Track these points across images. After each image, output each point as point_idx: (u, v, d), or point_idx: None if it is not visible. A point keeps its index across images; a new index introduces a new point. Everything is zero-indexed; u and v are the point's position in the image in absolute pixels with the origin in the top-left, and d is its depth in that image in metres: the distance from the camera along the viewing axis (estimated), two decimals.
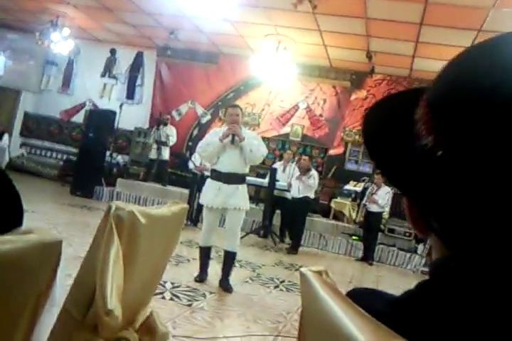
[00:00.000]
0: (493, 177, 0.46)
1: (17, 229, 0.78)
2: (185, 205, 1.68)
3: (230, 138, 4.56)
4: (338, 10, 7.38)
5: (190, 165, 8.68)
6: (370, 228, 7.93)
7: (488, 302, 0.48)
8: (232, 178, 4.60)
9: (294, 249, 7.74)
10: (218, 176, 4.61)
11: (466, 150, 0.48)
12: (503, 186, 0.46)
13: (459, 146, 0.48)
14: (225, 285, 4.68)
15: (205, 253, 4.76)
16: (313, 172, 7.97)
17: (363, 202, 7.98)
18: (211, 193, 4.60)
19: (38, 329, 0.91)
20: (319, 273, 0.67)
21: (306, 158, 8.14)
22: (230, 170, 4.58)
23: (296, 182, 7.86)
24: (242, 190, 4.70)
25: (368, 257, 7.93)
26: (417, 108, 0.56)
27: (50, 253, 0.80)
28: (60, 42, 10.52)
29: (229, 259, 4.73)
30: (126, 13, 9.53)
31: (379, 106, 0.66)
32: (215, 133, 4.73)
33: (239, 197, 4.62)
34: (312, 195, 8.01)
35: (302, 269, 0.66)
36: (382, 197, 7.68)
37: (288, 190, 8.17)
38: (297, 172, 8.10)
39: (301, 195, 7.78)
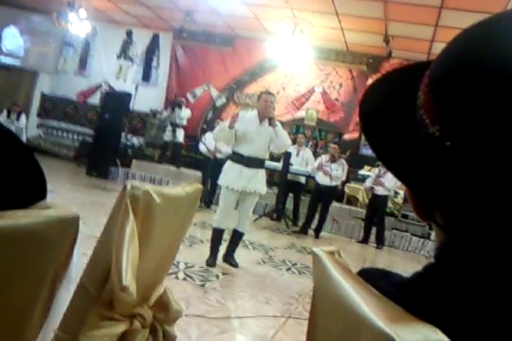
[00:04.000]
0: (505, 169, 0.45)
1: (39, 203, 0.80)
2: (200, 186, 1.70)
3: (264, 122, 4.60)
4: None
5: (201, 148, 8.69)
6: (375, 211, 7.90)
7: (491, 284, 0.49)
8: (254, 162, 4.63)
9: (316, 236, 7.79)
10: (240, 159, 4.62)
11: (476, 140, 0.46)
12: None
13: (468, 137, 0.47)
14: (230, 261, 4.80)
15: (218, 236, 4.77)
16: (343, 161, 7.92)
17: (370, 184, 7.91)
18: (232, 175, 4.62)
19: (55, 304, 0.93)
20: (332, 253, 0.68)
21: (336, 146, 8.04)
22: (252, 154, 4.61)
23: (325, 169, 7.73)
24: (262, 174, 4.75)
25: (377, 241, 7.93)
26: (419, 87, 0.53)
27: (68, 228, 0.82)
28: (77, 24, 10.51)
29: (237, 238, 4.83)
30: None
31: (379, 83, 0.63)
32: (243, 117, 4.70)
33: (259, 181, 4.67)
34: (339, 183, 8.01)
35: (315, 249, 0.66)
36: (389, 180, 7.63)
37: (309, 176, 8.17)
38: (322, 159, 8.02)
39: (333, 183, 7.73)
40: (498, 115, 0.45)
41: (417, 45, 9.21)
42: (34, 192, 0.82)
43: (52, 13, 10.57)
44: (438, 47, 9.03)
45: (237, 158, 4.65)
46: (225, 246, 4.93)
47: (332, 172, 7.64)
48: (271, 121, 4.59)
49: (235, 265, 4.80)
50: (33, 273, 0.84)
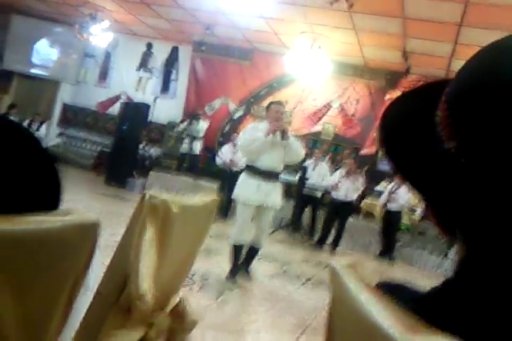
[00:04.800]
0: None
1: (60, 209, 0.81)
2: (217, 197, 1.71)
3: (278, 134, 4.44)
4: (375, 9, 7.30)
5: (218, 161, 8.73)
6: (389, 227, 7.84)
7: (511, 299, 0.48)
8: (271, 176, 4.53)
9: (333, 250, 7.76)
10: (257, 173, 4.51)
11: (489, 157, 0.46)
12: None
13: (482, 154, 0.47)
14: (244, 273, 4.75)
15: (237, 252, 4.67)
16: (359, 176, 7.87)
17: (383, 201, 7.86)
18: (249, 190, 4.49)
19: (74, 311, 0.94)
20: (350, 265, 0.68)
21: (352, 161, 8.00)
22: (269, 168, 4.50)
23: (345, 184, 7.67)
24: (279, 187, 4.65)
25: (387, 254, 7.86)
26: (438, 104, 0.54)
27: (89, 233, 0.83)
28: (99, 35, 10.71)
29: (253, 253, 4.77)
30: (163, 7, 9.63)
31: (402, 99, 0.64)
32: (255, 128, 4.61)
33: (276, 195, 4.58)
34: (354, 198, 7.97)
35: (333, 262, 0.66)
36: (403, 196, 7.57)
37: (326, 191, 8.15)
38: (338, 174, 7.99)
39: (348, 199, 7.68)
40: None
41: (435, 61, 9.19)
42: (50, 199, 0.83)
43: (74, 24, 10.79)
44: (457, 64, 9.00)
45: (254, 171, 4.53)
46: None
47: (349, 188, 7.61)
48: (283, 135, 4.44)
49: (247, 272, 4.78)
50: (52, 278, 0.85)
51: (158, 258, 1.32)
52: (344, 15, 7.79)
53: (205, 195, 1.65)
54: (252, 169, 4.58)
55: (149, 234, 1.28)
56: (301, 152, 4.65)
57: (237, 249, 4.66)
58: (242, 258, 4.81)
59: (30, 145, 0.79)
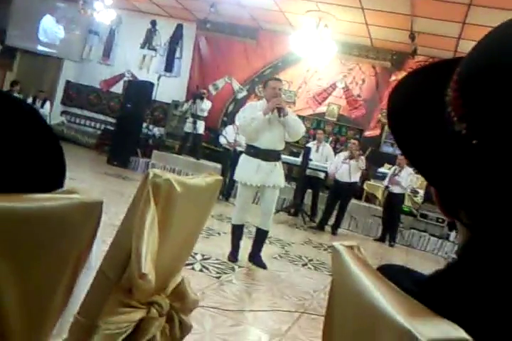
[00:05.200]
0: None
1: (60, 189, 0.81)
2: (220, 177, 1.70)
3: (275, 112, 4.36)
4: None
5: (222, 141, 8.71)
6: (392, 209, 7.86)
7: None
8: (271, 155, 4.48)
9: (334, 232, 7.78)
10: (257, 153, 4.46)
11: (502, 139, 0.46)
12: None
13: (494, 136, 0.46)
14: (258, 261, 4.68)
15: (237, 232, 4.67)
16: (361, 159, 7.85)
17: (386, 183, 7.88)
18: (249, 170, 4.46)
19: (76, 289, 0.95)
20: (351, 247, 0.68)
21: (356, 142, 7.96)
22: (269, 147, 4.45)
23: (346, 166, 7.67)
24: (280, 167, 4.60)
25: (389, 238, 7.89)
26: (449, 83, 0.53)
27: (92, 212, 0.83)
28: (103, 12, 10.58)
29: (262, 237, 4.70)
30: None
31: (410, 78, 0.62)
32: (254, 107, 4.55)
33: (277, 174, 4.52)
34: (358, 179, 7.96)
35: (334, 243, 0.66)
36: (405, 178, 7.57)
37: (321, 170, 8.15)
38: (342, 155, 7.98)
39: (352, 180, 7.67)
40: None
41: (443, 42, 9.07)
42: (54, 178, 0.83)
43: (78, 0, 10.66)
44: (465, 45, 8.88)
45: (254, 151, 4.48)
46: (247, 242, 4.88)
47: (352, 170, 7.61)
48: (280, 112, 4.35)
49: (263, 266, 4.67)
50: (55, 256, 0.85)
51: (161, 238, 1.32)
52: None
53: (208, 175, 1.65)
54: (251, 149, 4.53)
55: (152, 213, 1.28)
56: (301, 129, 4.54)
57: (236, 229, 4.66)
58: (251, 246, 4.78)
59: (34, 122, 0.78)
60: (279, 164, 4.59)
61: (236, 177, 4.66)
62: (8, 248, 0.74)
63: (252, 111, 4.46)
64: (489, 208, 0.48)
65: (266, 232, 4.69)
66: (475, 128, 0.48)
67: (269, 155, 4.47)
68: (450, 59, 0.59)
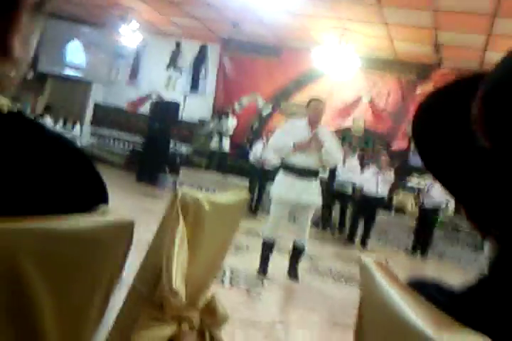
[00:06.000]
0: None
1: (97, 209, 0.83)
2: (247, 194, 1.72)
3: (307, 132, 4.47)
4: (404, 1, 7.18)
5: (251, 158, 8.76)
6: (425, 224, 7.75)
7: None
8: (306, 173, 4.49)
9: (363, 245, 7.71)
10: (292, 170, 4.50)
11: None
12: None
13: None
14: (293, 275, 4.68)
15: (268, 248, 4.66)
16: (390, 173, 7.84)
17: (420, 199, 7.84)
18: (283, 187, 4.49)
19: (109, 305, 0.97)
20: (379, 262, 0.68)
21: (386, 157, 7.95)
22: (304, 165, 4.47)
23: (374, 180, 7.64)
24: (316, 185, 4.59)
25: (421, 250, 7.76)
26: (473, 100, 0.52)
27: (124, 233, 0.85)
28: (129, 36, 10.85)
29: (297, 252, 4.70)
30: (191, 6, 9.68)
31: (433, 97, 0.61)
32: (292, 127, 4.66)
33: (312, 193, 4.51)
34: (386, 193, 7.92)
35: (362, 257, 0.67)
36: (439, 193, 7.46)
37: (349, 185, 8.13)
38: (370, 168, 7.98)
39: (380, 194, 7.65)
40: None
41: (468, 53, 8.99)
42: (93, 196, 0.85)
43: (104, 26, 10.97)
44: (491, 56, 8.78)
45: (289, 168, 4.53)
46: (277, 257, 4.88)
47: (381, 184, 7.57)
48: (313, 128, 4.48)
49: (296, 279, 4.68)
50: (90, 276, 0.87)
51: (190, 255, 1.34)
52: (373, 9, 7.69)
53: (235, 193, 1.67)
54: (286, 166, 4.58)
55: (181, 231, 1.30)
56: (337, 156, 4.61)
57: (266, 245, 4.66)
58: (289, 261, 4.78)
59: (60, 146, 0.80)
60: (315, 182, 4.58)
61: (271, 193, 4.70)
62: (42, 268, 0.76)
63: (285, 135, 4.54)
64: None
65: (302, 248, 4.68)
66: (500, 144, 0.48)
67: (304, 173, 4.48)
68: (475, 74, 0.59)
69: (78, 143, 10.61)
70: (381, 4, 7.30)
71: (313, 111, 4.53)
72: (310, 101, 4.69)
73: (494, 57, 8.67)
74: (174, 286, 1.24)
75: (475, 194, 0.51)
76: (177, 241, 1.29)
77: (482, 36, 7.98)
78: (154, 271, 1.32)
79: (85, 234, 0.79)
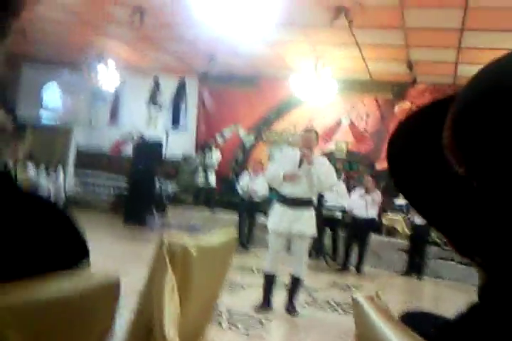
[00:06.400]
0: None
1: (82, 268, 0.81)
2: (235, 234, 1.70)
3: (297, 162, 4.55)
4: (375, 22, 7.33)
5: (239, 190, 8.74)
6: (417, 241, 7.73)
7: None
8: (298, 203, 4.52)
9: (358, 271, 7.65)
10: (284, 201, 4.55)
11: (501, 181, 0.44)
12: None
13: (493, 178, 0.45)
14: (291, 309, 4.65)
15: (269, 281, 4.63)
16: (377, 191, 7.87)
17: (410, 217, 7.82)
18: (276, 217, 4.55)
19: None
20: (371, 298, 0.67)
21: (371, 178, 8.02)
22: (295, 195, 4.51)
23: (362, 202, 7.67)
24: (309, 215, 4.61)
25: (417, 271, 7.70)
26: (444, 126, 0.51)
27: (111, 292, 0.83)
28: (106, 75, 10.91)
29: (294, 285, 4.67)
30: (167, 42, 9.80)
31: (406, 123, 0.60)
32: (285, 157, 4.88)
33: (305, 222, 4.53)
34: (376, 214, 7.89)
35: (354, 295, 0.66)
36: None
37: (338, 209, 8.11)
38: (357, 191, 7.98)
39: (370, 215, 7.64)
40: None
41: (441, 68, 9.16)
42: (74, 254, 0.84)
43: (81, 67, 11.03)
44: (464, 69, 8.96)
45: (282, 199, 4.59)
46: (276, 291, 4.81)
47: (369, 205, 7.58)
48: (300, 164, 4.53)
49: (295, 314, 4.65)
50: (78, 336, 0.85)
51: (182, 303, 1.31)
52: (345, 32, 7.83)
53: (223, 232, 1.64)
54: (278, 196, 4.67)
55: (170, 280, 1.27)
56: (327, 182, 4.62)
57: (267, 279, 4.64)
58: (286, 294, 4.74)
59: (44, 208, 0.80)
60: (308, 212, 4.60)
61: (268, 224, 4.73)
62: (31, 334, 0.74)
63: (277, 166, 4.68)
64: (500, 251, 0.47)
65: (298, 280, 4.65)
66: (473, 170, 0.46)
67: (296, 203, 4.50)
68: (447, 97, 0.58)
69: (62, 191, 10.53)
70: (352, 26, 7.45)
71: (305, 141, 4.63)
72: (302, 132, 4.95)
73: (467, 70, 8.86)
74: (167, 336, 1.21)
75: (452, 221, 0.50)
76: (166, 291, 1.26)
77: (453, 50, 8.15)
78: (146, 321, 1.28)
79: (71, 301, 0.77)
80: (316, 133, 4.83)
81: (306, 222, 4.56)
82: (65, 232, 0.77)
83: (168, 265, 1.31)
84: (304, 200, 4.56)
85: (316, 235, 4.82)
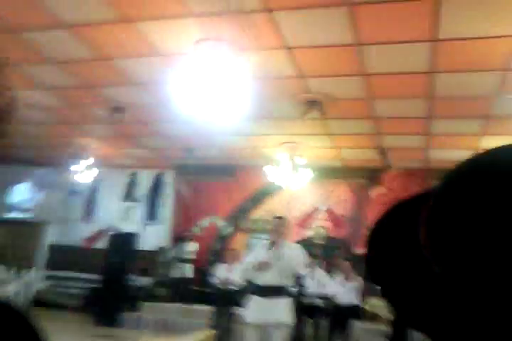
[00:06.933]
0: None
1: None
2: (211, 332, 1.51)
3: (268, 244, 4.57)
4: (346, 113, 7.63)
5: (214, 280, 8.45)
6: (400, 327, 7.40)
7: None
8: (272, 292, 4.39)
9: None
10: (258, 291, 4.45)
11: (476, 280, 0.43)
12: None
13: (469, 278, 0.44)
14: None
15: None
16: (357, 277, 7.76)
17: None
18: (251, 309, 4.42)
19: None
20: None
21: (346, 262, 7.95)
22: (267, 283, 4.41)
23: (343, 289, 7.56)
24: (284, 302, 4.46)
25: None
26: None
27: None
28: (84, 173, 10.83)
29: None
30: (144, 138, 10.01)
31: (380, 223, 0.61)
32: (260, 247, 4.85)
33: (280, 311, 4.37)
34: (358, 301, 7.69)
35: None
36: None
37: (319, 297, 7.86)
38: (337, 278, 7.84)
39: (351, 303, 7.49)
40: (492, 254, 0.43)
41: (412, 153, 9.47)
42: None
43: (57, 165, 11.01)
44: (434, 154, 9.29)
45: (255, 289, 4.49)
46: None
47: (351, 292, 7.40)
48: (271, 246, 4.54)
49: None
50: None
51: None
52: (319, 123, 8.11)
53: (199, 333, 1.46)
54: (253, 286, 4.58)
55: None
56: (297, 265, 4.57)
57: None
58: None
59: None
60: (283, 300, 4.46)
61: (244, 317, 4.61)
62: None
63: (253, 253, 4.76)
64: None
65: None
66: (447, 267, 0.46)
67: (269, 292, 4.39)
68: (419, 194, 0.59)
69: (33, 290, 10.04)
70: (325, 117, 7.69)
71: (275, 228, 4.64)
72: (273, 219, 4.89)
73: (436, 153, 9.15)
74: None
75: (436, 323, 0.49)
76: None
77: (422, 137, 8.43)
78: None
79: None
80: (285, 219, 4.88)
81: (282, 311, 4.40)
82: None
83: None
84: (277, 288, 4.43)
85: (293, 323, 4.58)
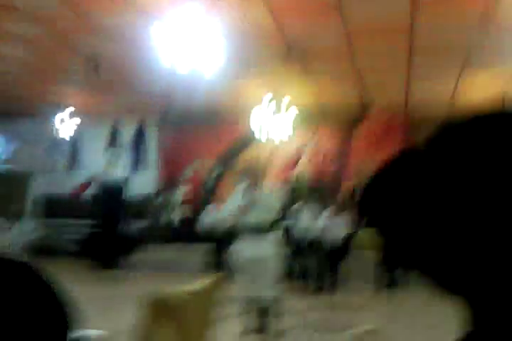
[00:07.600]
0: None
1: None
2: (222, 274, 1.70)
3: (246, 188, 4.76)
4: (324, 54, 7.57)
5: (206, 221, 8.68)
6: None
7: None
8: (255, 230, 4.66)
9: (333, 290, 7.65)
10: (244, 229, 4.75)
11: None
12: None
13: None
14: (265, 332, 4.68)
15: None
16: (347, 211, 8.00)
17: None
18: (241, 247, 4.72)
19: None
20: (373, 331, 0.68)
21: (337, 200, 8.12)
22: (251, 224, 4.69)
23: (330, 225, 7.83)
24: (270, 238, 4.76)
25: (395, 284, 7.73)
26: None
27: None
28: (64, 122, 10.74)
29: (264, 310, 4.72)
30: (123, 85, 9.83)
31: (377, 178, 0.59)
32: (237, 191, 5.03)
33: (266, 246, 4.69)
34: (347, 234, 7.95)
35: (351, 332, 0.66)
36: None
37: (316, 235, 8.14)
38: (323, 215, 8.07)
39: (342, 238, 7.74)
40: None
41: (393, 88, 9.43)
42: (58, 327, 0.78)
43: (39, 115, 10.85)
44: (414, 86, 9.22)
45: (241, 228, 4.79)
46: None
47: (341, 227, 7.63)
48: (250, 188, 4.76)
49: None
50: None
51: None
52: (298, 68, 7.99)
53: (211, 276, 1.64)
54: (240, 226, 4.82)
55: (162, 333, 1.26)
56: (272, 211, 4.77)
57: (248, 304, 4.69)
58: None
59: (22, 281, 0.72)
60: (269, 236, 4.68)
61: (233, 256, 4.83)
62: None
63: (235, 197, 4.94)
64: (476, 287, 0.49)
65: (267, 304, 4.69)
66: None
67: (253, 231, 4.64)
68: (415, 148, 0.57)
69: (27, 240, 10.14)
70: (305, 61, 7.61)
71: (252, 174, 4.94)
72: (248, 165, 5.01)
73: (418, 87, 9.16)
74: None
75: (432, 257, 0.51)
76: None
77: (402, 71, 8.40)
78: None
79: None
80: (262, 163, 5.06)
81: (268, 245, 4.65)
82: (44, 307, 0.72)
83: (157, 321, 1.28)
84: (260, 227, 4.64)
85: (282, 256, 4.82)
